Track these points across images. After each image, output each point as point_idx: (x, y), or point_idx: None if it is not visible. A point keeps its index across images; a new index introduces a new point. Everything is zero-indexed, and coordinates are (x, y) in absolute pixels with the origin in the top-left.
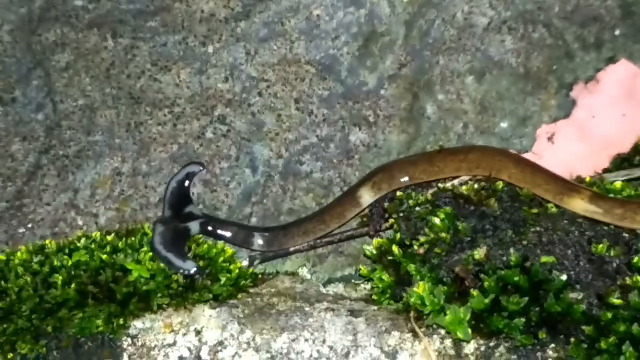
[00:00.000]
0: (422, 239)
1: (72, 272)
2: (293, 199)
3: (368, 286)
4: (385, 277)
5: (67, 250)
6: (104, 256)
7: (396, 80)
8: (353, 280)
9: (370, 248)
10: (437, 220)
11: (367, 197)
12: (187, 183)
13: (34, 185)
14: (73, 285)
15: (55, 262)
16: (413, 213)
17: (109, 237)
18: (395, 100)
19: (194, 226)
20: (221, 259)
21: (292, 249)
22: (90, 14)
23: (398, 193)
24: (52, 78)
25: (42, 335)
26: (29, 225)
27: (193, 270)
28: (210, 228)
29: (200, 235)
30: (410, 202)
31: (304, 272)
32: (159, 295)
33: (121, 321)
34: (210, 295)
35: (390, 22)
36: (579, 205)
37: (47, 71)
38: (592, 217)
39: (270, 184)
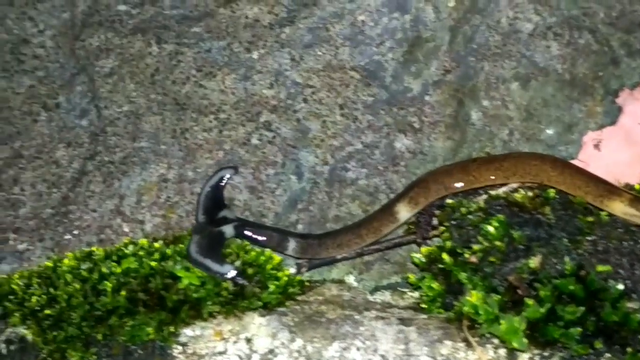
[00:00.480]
0: (475, 247)
1: (122, 280)
2: (339, 205)
3: (416, 294)
4: (435, 285)
5: (115, 257)
6: (153, 263)
7: (441, 87)
8: (400, 288)
9: (418, 256)
10: (491, 229)
11: (404, 212)
12: (220, 187)
13: (79, 191)
14: (123, 293)
15: (104, 269)
16: (465, 221)
17: (156, 244)
18: (440, 106)
19: (228, 229)
20: (269, 266)
21: (339, 256)
22: (134, 19)
23: (448, 201)
24: (96, 84)
25: (92, 343)
26: (75, 232)
27: (232, 273)
28: (244, 231)
29: (247, 243)
30: (462, 210)
31: (350, 279)
32: (210, 302)
33: (172, 329)
34: (260, 303)
35: (435, 27)
36: (619, 208)
37: (91, 77)
38: (632, 221)
39: (316, 190)
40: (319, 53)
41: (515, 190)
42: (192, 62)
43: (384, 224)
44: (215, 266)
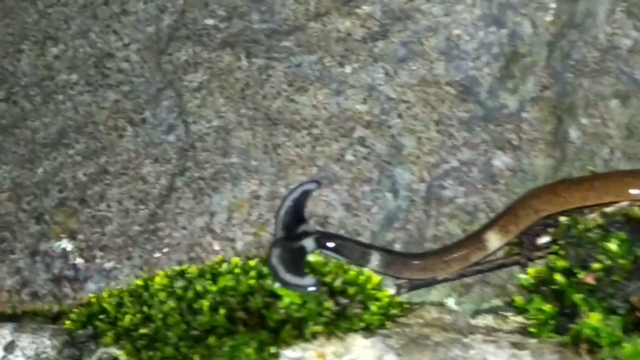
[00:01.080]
0: (595, 265)
1: (218, 298)
2: (437, 225)
3: (519, 318)
4: (546, 307)
5: (208, 276)
6: (252, 281)
7: (538, 103)
8: (501, 312)
9: (525, 277)
10: (613, 246)
11: (494, 241)
12: (302, 202)
13: (168, 208)
14: (222, 311)
15: (199, 288)
16: (584, 239)
17: (251, 262)
18: (539, 123)
19: (309, 243)
20: (370, 286)
21: (439, 277)
22: (222, 33)
23: (562, 218)
24: (183, 98)
25: None
26: (165, 250)
27: (313, 287)
28: (326, 243)
29: (344, 262)
30: (580, 227)
31: (450, 302)
32: (312, 322)
33: (273, 350)
34: (362, 324)
35: (532, 42)
36: None
37: (178, 92)
38: None
39: (412, 209)
40: (414, 67)
41: (633, 204)
42: (283, 77)
43: (472, 252)
44: (295, 279)
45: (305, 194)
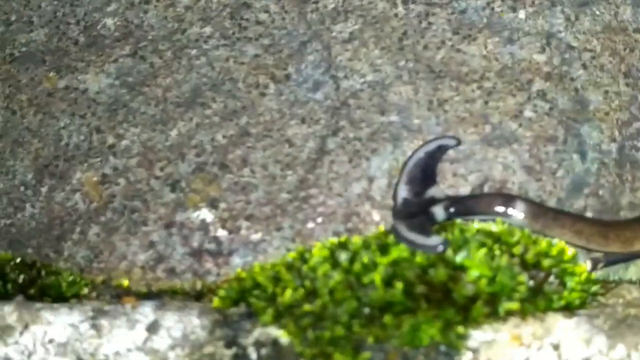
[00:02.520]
0: None
1: (390, 271)
2: (633, 190)
3: None
4: None
5: (374, 247)
6: None
7: None
8: None
9: None
10: None
11: None
12: (437, 159)
13: (320, 173)
14: (400, 285)
15: (365, 260)
16: None
17: None
18: None
19: (439, 211)
20: (566, 257)
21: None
22: None
23: None
24: (332, 51)
25: (362, 346)
26: (319, 220)
27: (440, 246)
28: (457, 207)
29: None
30: None
31: None
32: (505, 299)
33: (461, 330)
34: (562, 303)
35: None
36: None
37: (326, 44)
38: None
39: (604, 172)
40: (597, 12)
41: None
42: (446, 24)
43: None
44: (421, 239)
45: (441, 150)
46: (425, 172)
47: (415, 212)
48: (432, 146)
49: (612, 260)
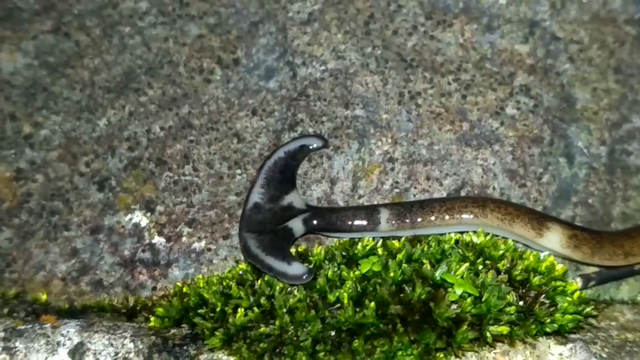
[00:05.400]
0: None
1: (361, 288)
2: (625, 200)
3: None
4: None
5: (339, 259)
6: (404, 266)
7: None
8: None
9: None
10: None
11: None
12: (298, 160)
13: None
14: (372, 305)
15: (330, 274)
16: None
17: (396, 243)
18: None
19: (297, 225)
20: (556, 274)
21: (637, 267)
22: None
23: None
24: (288, 34)
25: None
26: None
27: (305, 276)
28: (317, 221)
29: (511, 246)
30: None
31: None
32: (492, 321)
33: (442, 357)
34: (555, 326)
35: None
36: None
37: (281, 25)
38: None
39: (594, 179)
40: (584, 1)
41: None
42: (418, 8)
43: None
44: (281, 265)
45: (304, 151)
46: (284, 175)
47: (267, 222)
48: (294, 145)
49: (610, 276)
